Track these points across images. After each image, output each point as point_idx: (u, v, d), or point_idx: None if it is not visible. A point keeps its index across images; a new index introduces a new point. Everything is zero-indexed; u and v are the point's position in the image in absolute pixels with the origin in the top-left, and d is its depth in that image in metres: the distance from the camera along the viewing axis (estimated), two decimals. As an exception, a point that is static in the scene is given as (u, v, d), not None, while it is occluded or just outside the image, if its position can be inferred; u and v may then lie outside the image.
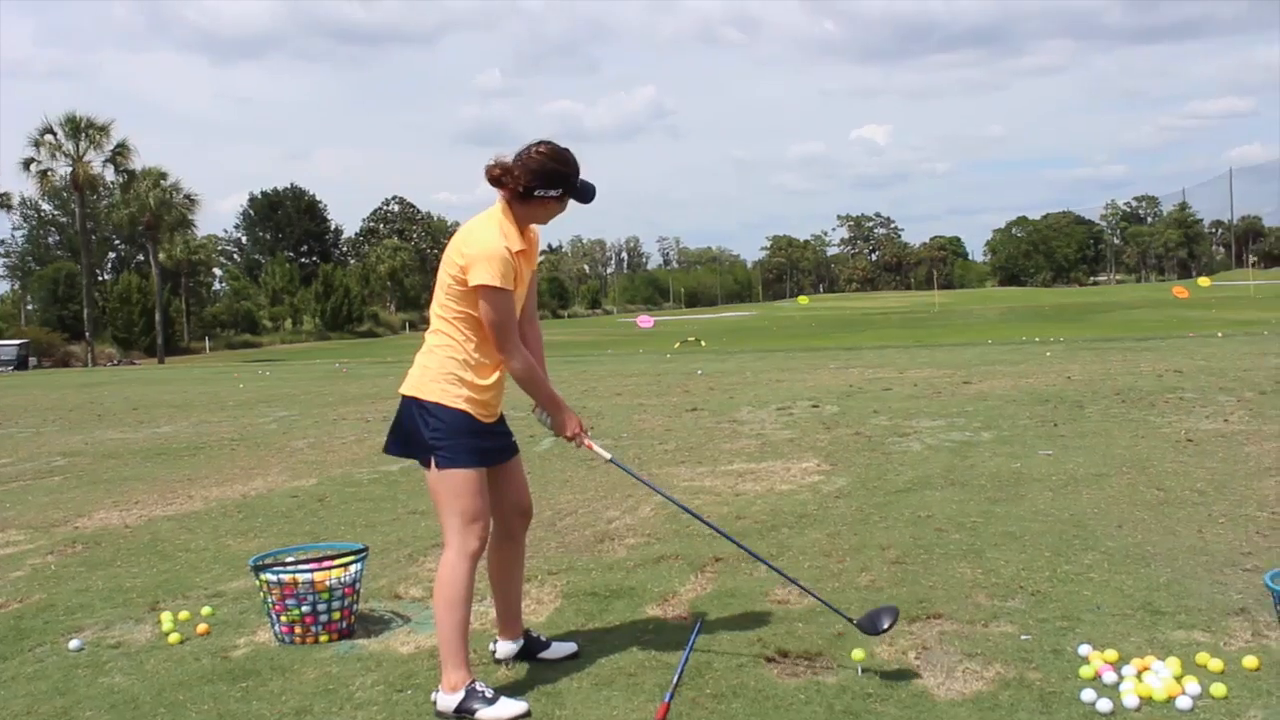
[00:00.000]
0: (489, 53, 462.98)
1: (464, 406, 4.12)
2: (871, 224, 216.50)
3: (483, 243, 4.06)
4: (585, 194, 4.27)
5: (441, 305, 4.18)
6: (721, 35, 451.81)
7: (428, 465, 4.16)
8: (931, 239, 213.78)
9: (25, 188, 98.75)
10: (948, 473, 8.29)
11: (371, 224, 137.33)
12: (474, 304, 4.08)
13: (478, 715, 3.95)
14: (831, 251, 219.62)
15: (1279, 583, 4.42)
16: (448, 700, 4.01)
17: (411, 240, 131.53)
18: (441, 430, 4.10)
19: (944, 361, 20.49)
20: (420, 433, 4.14)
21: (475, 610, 4.82)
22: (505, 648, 4.59)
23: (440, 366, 4.15)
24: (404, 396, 4.23)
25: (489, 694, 4.00)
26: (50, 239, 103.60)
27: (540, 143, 4.21)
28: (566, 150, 4.23)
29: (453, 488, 4.09)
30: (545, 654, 4.58)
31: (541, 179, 4.14)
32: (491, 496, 4.29)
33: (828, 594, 5.26)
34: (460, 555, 4.10)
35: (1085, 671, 4.06)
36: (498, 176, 4.16)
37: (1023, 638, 4.52)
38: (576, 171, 4.22)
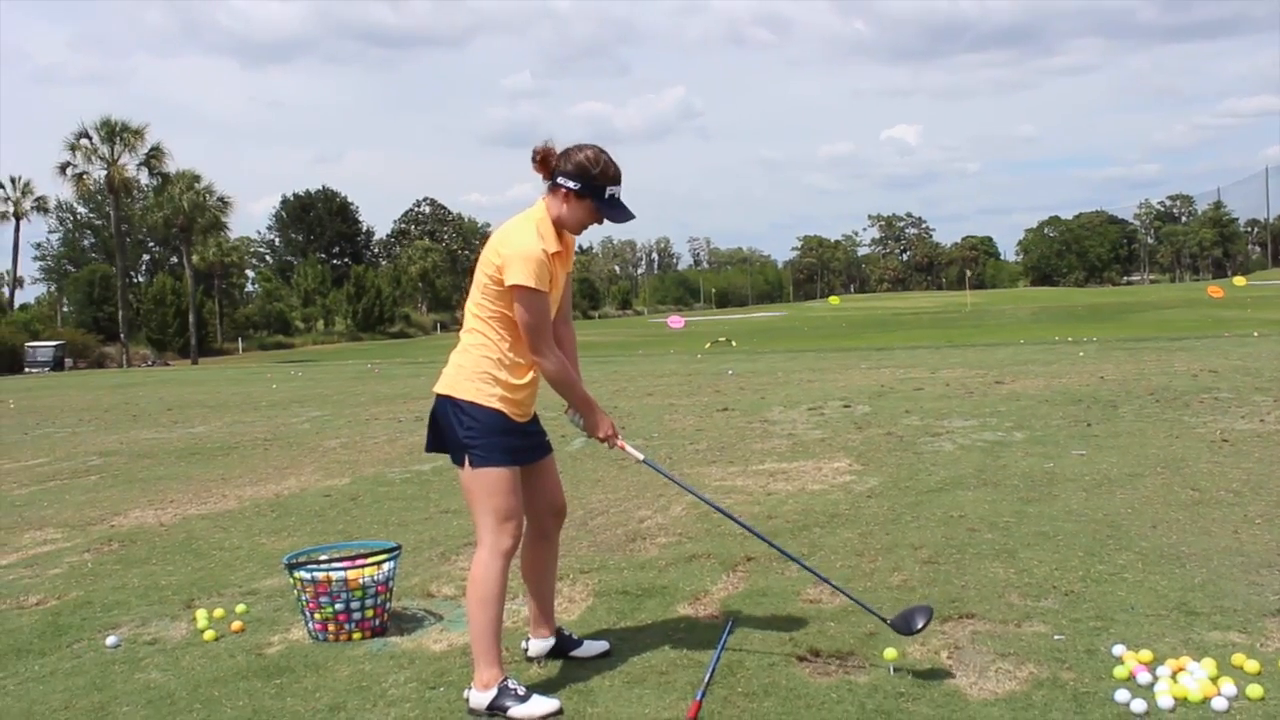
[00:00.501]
0: (518, 54, 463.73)
1: (498, 405, 4.13)
2: (903, 224, 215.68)
3: (519, 243, 4.08)
4: (613, 207, 4.25)
5: (477, 304, 4.20)
6: (751, 36, 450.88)
7: (461, 464, 4.18)
8: (963, 239, 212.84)
9: (61, 191, 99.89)
10: (980, 472, 8.25)
11: (402, 225, 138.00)
12: (510, 304, 4.10)
13: (510, 713, 3.96)
14: (862, 252, 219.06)
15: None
16: (480, 698, 4.02)
17: (442, 241, 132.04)
18: (476, 429, 4.11)
19: (976, 361, 20.39)
20: (454, 431, 4.16)
21: (507, 609, 4.83)
22: (537, 645, 4.60)
23: (475, 365, 4.17)
24: (438, 395, 4.25)
25: (521, 691, 4.02)
26: (85, 242, 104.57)
27: (594, 145, 4.26)
28: (611, 161, 4.24)
29: (486, 486, 4.11)
30: (577, 652, 4.59)
31: (569, 168, 4.18)
32: (525, 495, 4.31)
33: (859, 593, 5.25)
34: (493, 553, 4.12)
35: (1119, 672, 4.04)
36: (538, 150, 4.23)
37: (1056, 638, 4.49)
38: (606, 178, 4.20)
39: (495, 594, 4.11)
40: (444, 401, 4.21)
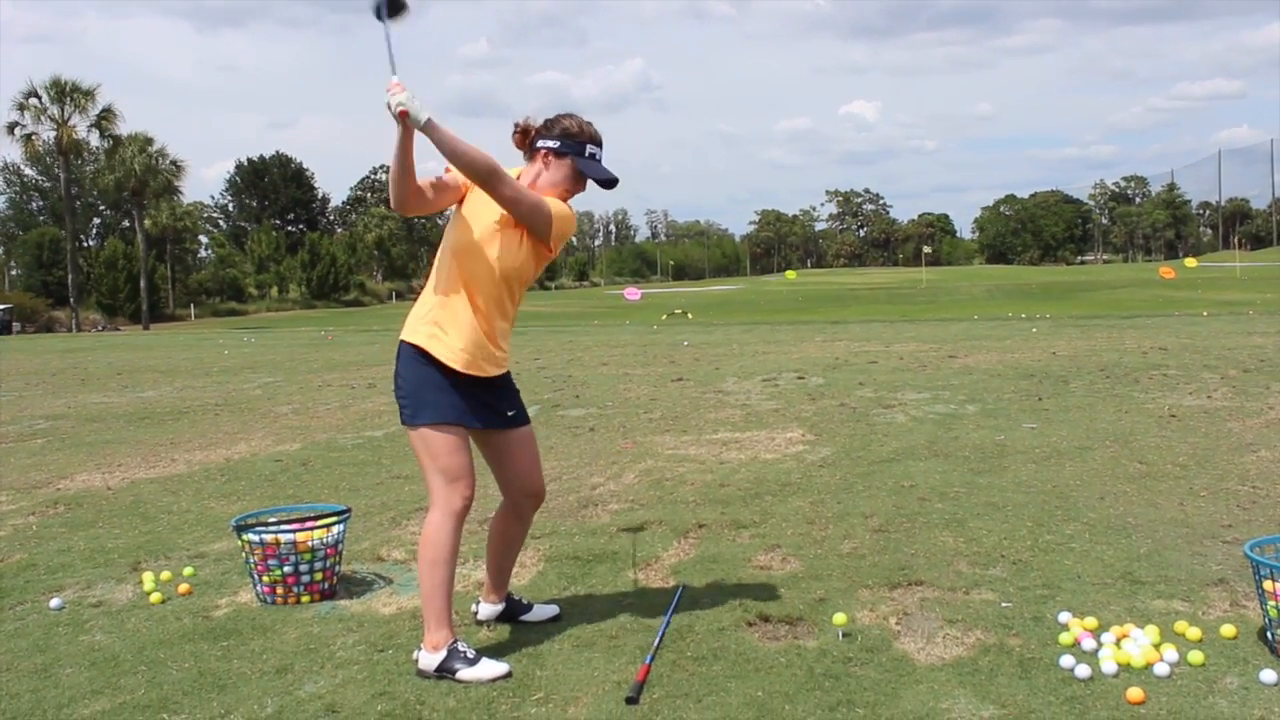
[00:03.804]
0: (475, 22, 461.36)
1: (434, 351, 4.08)
2: (860, 200, 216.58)
3: None
4: (594, 164, 4.19)
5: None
6: (710, 9, 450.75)
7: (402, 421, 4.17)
8: (920, 216, 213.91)
9: (9, 152, 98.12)
10: (932, 444, 8.30)
11: (359, 192, 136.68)
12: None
13: (459, 675, 3.95)
14: (820, 227, 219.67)
15: (1259, 553, 4.43)
16: (429, 659, 4.00)
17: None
18: (405, 386, 4.11)
19: (930, 336, 20.52)
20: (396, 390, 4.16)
21: (459, 573, 4.82)
22: (487, 609, 4.58)
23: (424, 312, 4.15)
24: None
25: (470, 654, 4.00)
26: (34, 204, 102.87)
27: (578, 115, 4.22)
28: (590, 125, 4.20)
29: (428, 446, 4.03)
30: (527, 616, 4.58)
31: (547, 129, 4.16)
32: (498, 473, 4.33)
33: (810, 560, 5.29)
34: (445, 514, 4.06)
35: (1065, 638, 4.08)
36: (519, 124, 4.21)
37: (1003, 605, 4.54)
38: (587, 139, 4.17)
39: (446, 555, 4.06)
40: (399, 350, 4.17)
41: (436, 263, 4.18)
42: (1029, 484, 6.79)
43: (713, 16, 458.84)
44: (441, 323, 4.06)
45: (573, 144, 4.14)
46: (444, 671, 3.97)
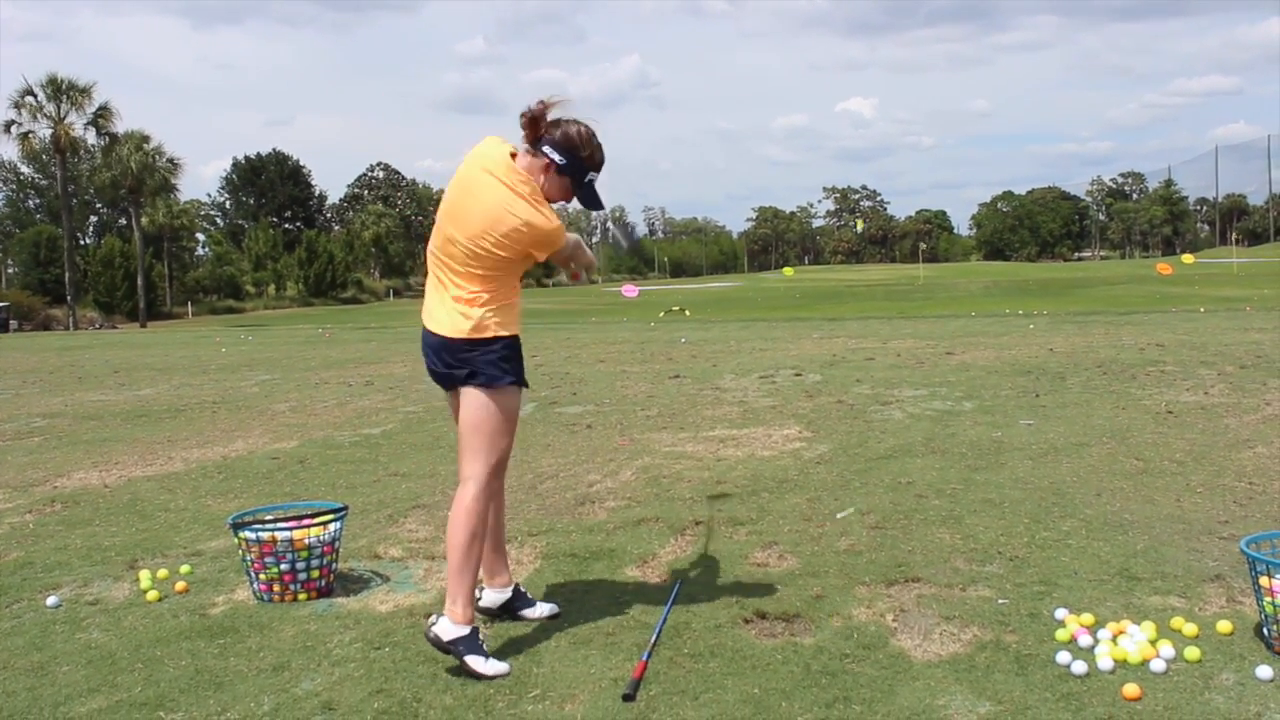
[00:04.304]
0: (472, 19, 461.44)
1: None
2: (857, 196, 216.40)
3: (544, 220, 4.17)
4: (589, 194, 4.25)
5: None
6: (707, 6, 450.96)
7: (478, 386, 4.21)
8: (917, 212, 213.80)
9: (5, 150, 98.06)
10: (929, 440, 8.31)
11: (356, 190, 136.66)
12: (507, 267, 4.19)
13: (466, 659, 3.92)
14: (817, 223, 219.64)
15: (1255, 549, 4.43)
16: (450, 629, 3.97)
17: (396, 207, 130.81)
18: (495, 353, 4.21)
19: (927, 333, 20.52)
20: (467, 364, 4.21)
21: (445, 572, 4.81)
22: (492, 595, 4.56)
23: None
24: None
25: (484, 647, 4.01)
26: (30, 202, 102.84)
27: (586, 123, 4.21)
28: (599, 146, 4.21)
29: (511, 409, 4.23)
30: (527, 612, 4.57)
31: (558, 137, 4.14)
32: None
33: (806, 557, 5.29)
34: (484, 490, 4.16)
35: (1061, 635, 4.09)
36: (530, 111, 4.16)
37: (1000, 601, 4.54)
38: (591, 163, 4.19)
39: (483, 529, 4.15)
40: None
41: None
42: (1026, 480, 6.80)
43: (710, 13, 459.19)
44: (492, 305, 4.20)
45: (574, 167, 4.15)
46: (456, 646, 3.95)
